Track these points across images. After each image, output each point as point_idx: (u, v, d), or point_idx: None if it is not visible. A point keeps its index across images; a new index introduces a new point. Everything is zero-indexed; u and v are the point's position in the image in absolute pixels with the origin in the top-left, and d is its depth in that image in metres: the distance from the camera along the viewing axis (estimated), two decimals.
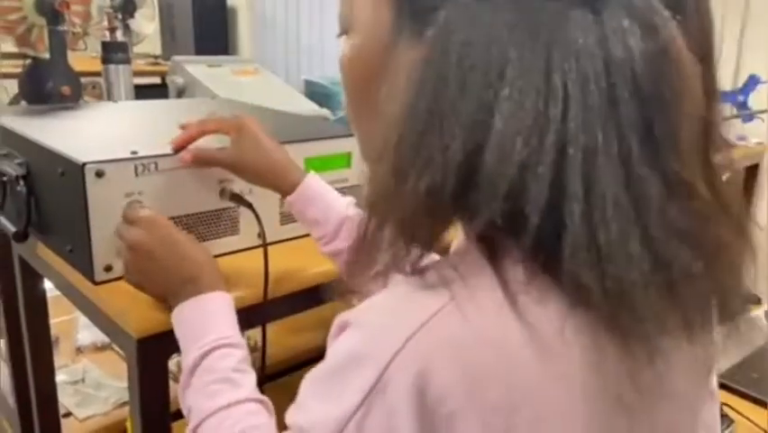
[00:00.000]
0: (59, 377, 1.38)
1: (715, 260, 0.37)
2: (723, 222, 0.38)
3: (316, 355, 1.45)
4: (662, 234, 0.35)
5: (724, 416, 1.29)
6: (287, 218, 0.90)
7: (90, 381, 1.38)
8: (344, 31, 0.50)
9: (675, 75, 0.35)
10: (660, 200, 0.35)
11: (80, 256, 0.74)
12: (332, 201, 0.77)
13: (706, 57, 0.38)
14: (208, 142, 0.79)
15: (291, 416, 0.41)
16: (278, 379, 1.49)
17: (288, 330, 1.67)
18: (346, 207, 0.76)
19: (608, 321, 0.35)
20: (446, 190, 0.35)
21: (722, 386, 1.39)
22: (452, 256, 0.41)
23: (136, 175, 0.74)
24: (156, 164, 0.75)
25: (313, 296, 0.83)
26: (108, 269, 0.73)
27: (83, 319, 1.47)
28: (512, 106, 0.34)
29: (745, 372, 1.30)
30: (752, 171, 1.90)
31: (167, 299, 0.66)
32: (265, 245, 0.76)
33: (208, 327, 0.62)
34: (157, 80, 3.07)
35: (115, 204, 0.72)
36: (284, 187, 0.76)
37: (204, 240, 0.81)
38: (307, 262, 0.83)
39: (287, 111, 1.25)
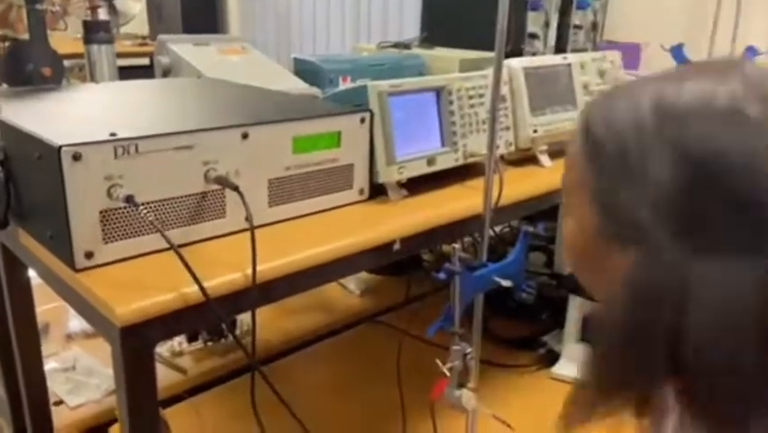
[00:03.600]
0: (50, 365, 1.36)
1: None
2: None
3: (311, 339, 1.43)
4: None
5: None
6: (275, 200, 0.88)
7: (81, 368, 1.37)
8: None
9: None
10: None
11: (60, 243, 0.71)
12: None
13: None
14: None
15: None
16: (272, 363, 1.48)
17: (282, 314, 1.66)
18: None
19: None
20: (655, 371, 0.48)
21: None
22: None
23: (116, 157, 0.71)
24: (136, 146, 0.72)
25: (303, 280, 0.81)
26: (89, 255, 0.71)
27: None
28: (699, 325, 0.46)
29: None
30: None
31: None
32: (252, 229, 0.74)
33: None
34: (145, 61, 3.01)
35: (95, 188, 0.70)
36: None
37: (189, 224, 0.79)
38: (297, 245, 0.81)
39: (274, 89, 1.22)
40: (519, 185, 1.13)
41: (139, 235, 0.74)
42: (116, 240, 0.73)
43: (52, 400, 1.26)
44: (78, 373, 1.34)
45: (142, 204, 0.72)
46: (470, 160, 1.11)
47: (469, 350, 0.94)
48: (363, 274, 1.94)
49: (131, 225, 0.73)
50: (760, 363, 0.45)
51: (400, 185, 1.03)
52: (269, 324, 1.60)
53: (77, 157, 0.67)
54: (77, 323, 1.51)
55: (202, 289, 0.68)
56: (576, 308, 1.40)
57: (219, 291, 0.70)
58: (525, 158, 1.26)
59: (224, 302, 0.71)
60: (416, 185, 1.04)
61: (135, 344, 0.65)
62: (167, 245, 0.70)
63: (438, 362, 0.93)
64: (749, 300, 0.45)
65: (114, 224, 0.72)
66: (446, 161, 1.07)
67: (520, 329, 1.59)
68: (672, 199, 0.47)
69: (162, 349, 1.44)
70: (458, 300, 0.90)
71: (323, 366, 1.51)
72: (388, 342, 1.15)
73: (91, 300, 0.67)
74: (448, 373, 0.92)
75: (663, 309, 0.47)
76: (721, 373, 0.45)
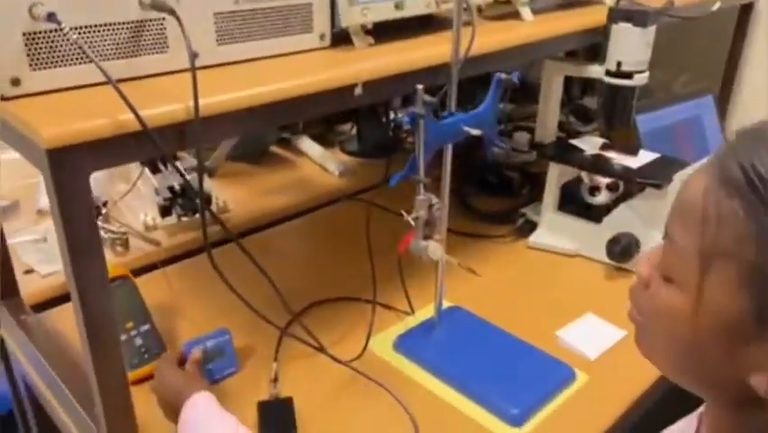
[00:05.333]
0: (21, 237, 1.35)
1: None
2: None
3: (288, 215, 1.39)
4: None
5: None
6: (224, 38, 0.81)
7: (53, 240, 1.34)
8: (669, 278, 0.49)
9: None
10: None
11: None
12: None
13: None
14: None
15: None
16: (248, 236, 1.47)
17: (258, 192, 1.64)
18: None
19: None
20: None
21: None
22: None
23: None
24: None
25: (251, 118, 0.76)
26: (15, 82, 0.66)
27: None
28: None
29: None
30: (746, 10, 1.78)
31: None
32: (191, 55, 0.68)
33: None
34: None
35: (14, 6, 0.63)
36: None
37: (127, 56, 0.73)
38: (247, 83, 0.76)
39: None
40: (495, 36, 1.06)
41: (70, 64, 0.69)
42: (45, 67, 0.67)
43: (24, 269, 1.25)
44: (49, 245, 1.33)
45: (71, 29, 0.66)
46: (443, 7, 1.03)
47: (435, 201, 0.92)
48: (343, 156, 1.90)
49: (59, 50, 0.67)
50: None
51: (366, 31, 0.96)
52: (246, 200, 1.58)
53: None
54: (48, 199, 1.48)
55: (136, 114, 0.63)
56: (555, 177, 1.37)
57: (158, 122, 0.66)
58: (505, 13, 1.19)
59: (164, 135, 0.67)
60: (384, 33, 0.97)
61: (66, 169, 0.61)
62: (102, 78, 0.64)
63: (403, 212, 0.90)
64: None
65: (41, 48, 0.66)
66: (416, 6, 0.99)
67: (501, 205, 1.57)
68: None
69: (136, 224, 1.42)
70: (422, 146, 0.86)
71: (297, 240, 1.50)
72: (364, 218, 1.12)
73: (16, 125, 0.63)
74: (413, 223, 0.90)
75: None
76: None
